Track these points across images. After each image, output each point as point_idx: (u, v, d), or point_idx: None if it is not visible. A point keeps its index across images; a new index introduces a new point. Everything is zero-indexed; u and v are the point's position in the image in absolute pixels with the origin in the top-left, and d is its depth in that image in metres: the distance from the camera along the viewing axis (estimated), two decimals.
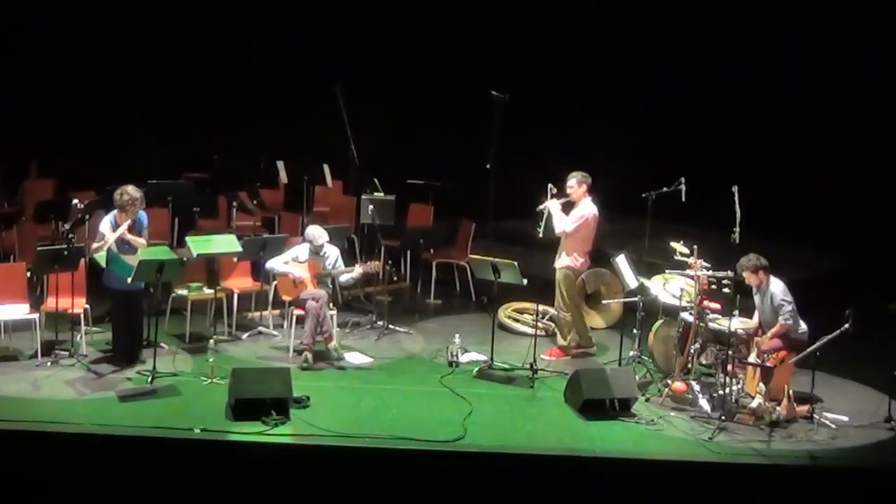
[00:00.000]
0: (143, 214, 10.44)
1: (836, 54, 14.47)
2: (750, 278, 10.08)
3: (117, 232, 10.20)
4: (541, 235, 11.07)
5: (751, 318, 10.32)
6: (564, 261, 11.03)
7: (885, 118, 14.34)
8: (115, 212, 10.34)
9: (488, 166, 12.98)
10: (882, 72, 14.35)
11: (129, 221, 10.24)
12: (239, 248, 11.31)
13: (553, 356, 11.19)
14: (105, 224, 10.34)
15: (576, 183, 10.97)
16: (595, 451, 9.07)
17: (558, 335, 11.36)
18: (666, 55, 15.37)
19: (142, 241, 10.36)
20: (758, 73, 15.07)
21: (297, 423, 9.23)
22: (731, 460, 8.95)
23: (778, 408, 9.54)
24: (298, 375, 10.09)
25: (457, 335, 11.03)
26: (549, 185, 10.99)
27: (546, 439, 9.35)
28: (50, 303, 10.66)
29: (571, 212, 11.01)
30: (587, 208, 10.98)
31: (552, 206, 10.91)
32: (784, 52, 14.83)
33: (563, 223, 10.89)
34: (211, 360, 10.31)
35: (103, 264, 10.41)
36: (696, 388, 9.98)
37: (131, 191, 10.30)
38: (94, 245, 10.37)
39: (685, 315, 10.33)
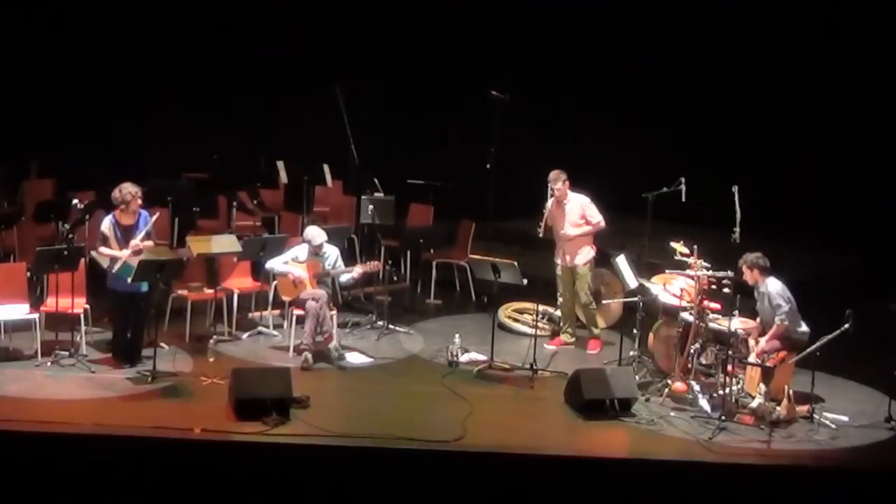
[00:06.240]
0: (145, 213, 10.44)
1: (836, 54, 14.46)
2: (746, 274, 10.08)
3: (131, 246, 10.16)
4: (541, 235, 11.08)
5: (752, 318, 10.31)
6: (580, 257, 11.16)
7: (886, 118, 14.32)
8: (115, 211, 10.35)
9: (488, 166, 12.95)
10: (882, 71, 14.35)
11: (141, 234, 10.23)
12: (239, 248, 11.32)
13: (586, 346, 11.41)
14: (105, 224, 10.33)
15: (562, 183, 11.07)
16: (595, 451, 9.06)
17: (591, 328, 11.51)
18: (666, 54, 15.37)
19: (149, 243, 10.36)
20: (757, 72, 15.07)
21: (297, 423, 9.23)
22: (731, 460, 8.94)
23: (778, 408, 9.54)
24: (298, 375, 10.08)
25: (457, 335, 11.03)
26: (550, 186, 11.02)
27: (546, 439, 9.36)
28: (50, 303, 10.65)
29: (569, 207, 11.11)
30: (583, 198, 11.15)
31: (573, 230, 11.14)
32: (784, 51, 14.83)
33: (595, 219, 11.10)
34: (211, 360, 10.31)
35: (104, 265, 10.41)
36: (696, 388, 9.98)
37: (128, 186, 10.32)
38: (101, 249, 10.31)
39: (685, 315, 10.32)
